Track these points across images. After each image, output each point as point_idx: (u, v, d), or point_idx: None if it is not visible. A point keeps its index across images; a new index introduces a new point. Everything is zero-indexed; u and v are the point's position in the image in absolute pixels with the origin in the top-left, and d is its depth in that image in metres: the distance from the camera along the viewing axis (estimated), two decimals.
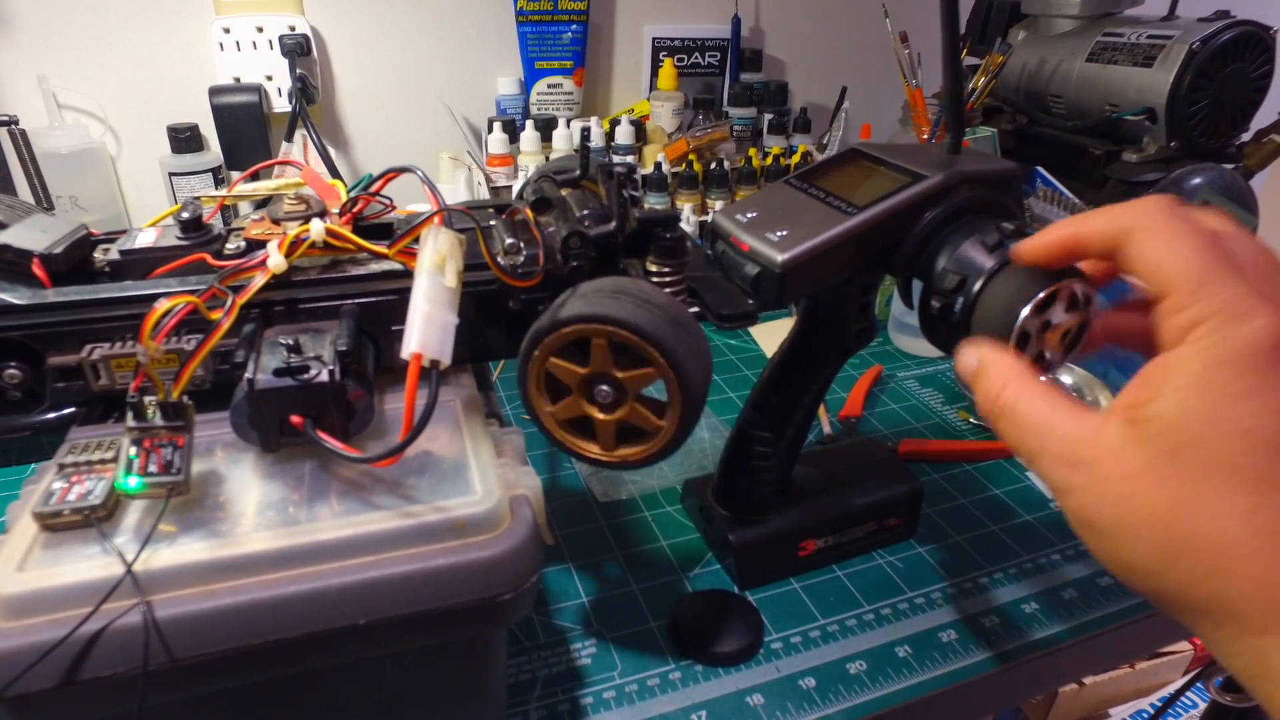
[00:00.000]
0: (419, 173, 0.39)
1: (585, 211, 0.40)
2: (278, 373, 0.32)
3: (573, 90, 1.03)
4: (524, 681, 0.43)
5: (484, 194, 0.91)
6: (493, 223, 0.42)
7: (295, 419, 0.32)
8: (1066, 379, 0.69)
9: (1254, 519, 0.23)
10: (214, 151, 0.89)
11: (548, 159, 0.89)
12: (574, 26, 1.00)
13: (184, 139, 0.86)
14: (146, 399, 0.31)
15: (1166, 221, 0.27)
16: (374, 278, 0.38)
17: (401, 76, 0.99)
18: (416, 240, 0.37)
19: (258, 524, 0.31)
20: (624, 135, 0.96)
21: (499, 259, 0.38)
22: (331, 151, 0.93)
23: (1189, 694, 1.09)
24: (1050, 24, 0.96)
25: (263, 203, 0.44)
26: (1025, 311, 0.31)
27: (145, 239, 0.40)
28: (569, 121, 0.96)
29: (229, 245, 0.40)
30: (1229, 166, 0.83)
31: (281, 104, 0.92)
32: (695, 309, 0.41)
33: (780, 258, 0.37)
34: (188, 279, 0.38)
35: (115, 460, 0.31)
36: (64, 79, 0.85)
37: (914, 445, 0.62)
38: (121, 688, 0.28)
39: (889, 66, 0.93)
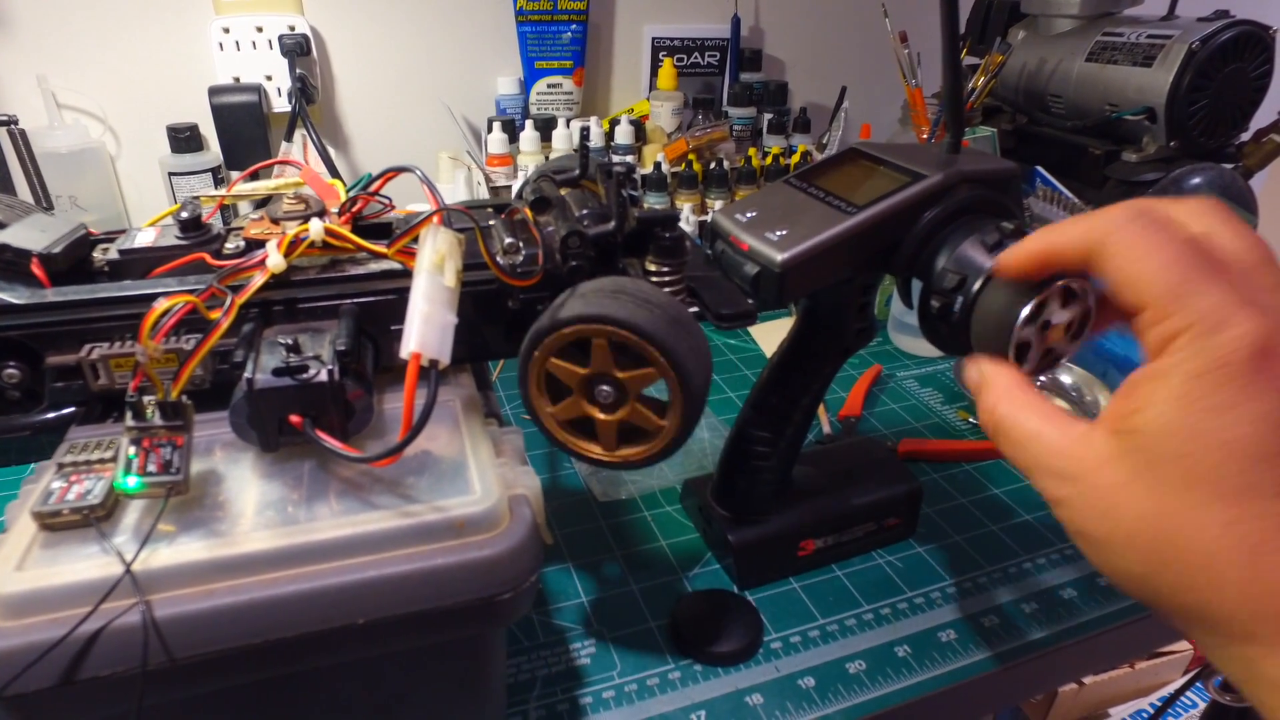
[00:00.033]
0: (418, 172, 0.39)
1: (584, 211, 0.40)
2: (277, 372, 0.32)
3: (572, 90, 1.03)
4: (523, 681, 0.43)
5: (483, 194, 0.91)
6: (492, 222, 0.42)
7: (294, 418, 0.32)
8: (1066, 379, 0.69)
9: (1233, 531, 0.23)
10: (213, 151, 0.89)
11: (547, 159, 0.89)
12: (573, 26, 1.00)
13: (183, 139, 0.86)
14: (145, 398, 0.31)
15: (1137, 233, 0.26)
16: (373, 277, 0.38)
17: (401, 76, 0.99)
18: (415, 240, 0.37)
19: (257, 523, 0.31)
20: (623, 135, 0.96)
21: (498, 258, 0.38)
22: (331, 151, 0.93)
23: (1188, 694, 1.09)
24: (1050, 24, 0.96)
25: (262, 202, 0.44)
26: (1018, 325, 0.31)
27: (144, 239, 0.40)
28: (568, 121, 0.96)
29: (228, 245, 0.40)
30: (1228, 166, 0.83)
31: (281, 104, 0.92)
32: (694, 308, 0.41)
33: (780, 257, 0.37)
34: (187, 279, 0.38)
35: (114, 460, 0.31)
36: (63, 79, 0.85)
37: (913, 445, 0.62)
38: (120, 687, 0.28)
39: (889, 66, 0.93)
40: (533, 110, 1.02)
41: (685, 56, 1.09)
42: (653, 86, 1.07)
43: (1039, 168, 0.84)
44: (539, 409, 0.37)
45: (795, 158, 0.99)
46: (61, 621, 0.27)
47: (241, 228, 0.41)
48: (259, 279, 0.35)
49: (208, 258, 0.38)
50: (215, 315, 0.33)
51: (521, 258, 0.39)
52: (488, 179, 0.92)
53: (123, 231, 0.42)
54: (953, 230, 0.36)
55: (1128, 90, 0.84)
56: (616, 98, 1.12)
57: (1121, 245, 0.26)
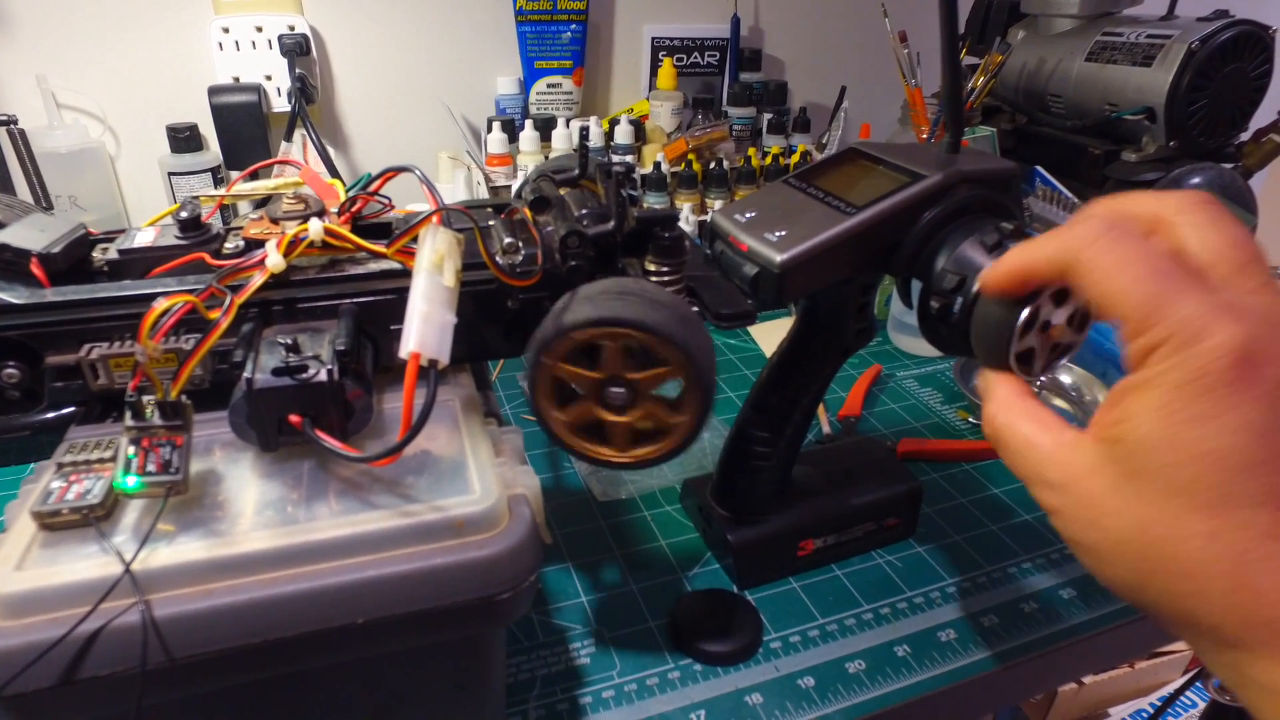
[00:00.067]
0: (417, 172, 0.39)
1: (584, 211, 0.40)
2: (276, 372, 0.32)
3: (572, 90, 1.03)
4: (523, 681, 0.43)
5: (483, 194, 0.91)
6: (491, 222, 0.42)
7: (294, 418, 0.32)
8: (1066, 379, 0.69)
9: (1216, 541, 0.23)
10: (213, 151, 0.89)
11: (547, 159, 0.89)
12: (573, 26, 1.00)
13: (183, 138, 0.86)
14: (145, 398, 0.31)
15: (1106, 249, 0.26)
16: (372, 277, 0.38)
17: (401, 76, 0.99)
18: (415, 240, 0.37)
19: (256, 523, 0.31)
20: (623, 135, 0.96)
21: (497, 258, 0.38)
22: (330, 151, 0.93)
23: (1188, 693, 1.09)
24: (1049, 23, 0.96)
25: (262, 202, 0.44)
26: (1014, 337, 0.31)
27: (144, 238, 0.40)
28: (568, 121, 0.96)
29: (227, 244, 0.40)
30: (1228, 166, 0.83)
31: (281, 103, 0.92)
32: (694, 308, 0.41)
33: (779, 258, 0.37)
34: (186, 278, 0.37)
35: (114, 459, 0.31)
36: (63, 78, 0.85)
37: (913, 445, 0.62)
38: (120, 687, 0.28)
39: (888, 66, 0.93)
40: (532, 110, 1.02)
41: (685, 56, 1.09)
42: (652, 86, 1.07)
43: (1039, 168, 0.84)
44: (549, 416, 0.36)
45: (795, 158, 0.99)
46: (61, 621, 0.27)
47: (241, 227, 0.41)
48: (258, 279, 0.35)
49: (207, 257, 0.38)
50: (214, 315, 0.33)
51: (521, 257, 0.39)
52: (487, 179, 0.92)
53: (122, 231, 0.42)
54: (952, 230, 0.36)
55: (1127, 90, 0.84)
56: (616, 97, 1.12)
57: (1092, 263, 0.26)
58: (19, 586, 0.27)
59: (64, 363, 0.36)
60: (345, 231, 0.37)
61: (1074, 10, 0.92)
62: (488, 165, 0.93)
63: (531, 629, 0.46)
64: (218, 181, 0.88)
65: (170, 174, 0.86)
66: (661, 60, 1.04)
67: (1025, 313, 0.31)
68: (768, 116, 1.04)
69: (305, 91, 0.89)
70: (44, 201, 0.79)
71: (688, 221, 0.91)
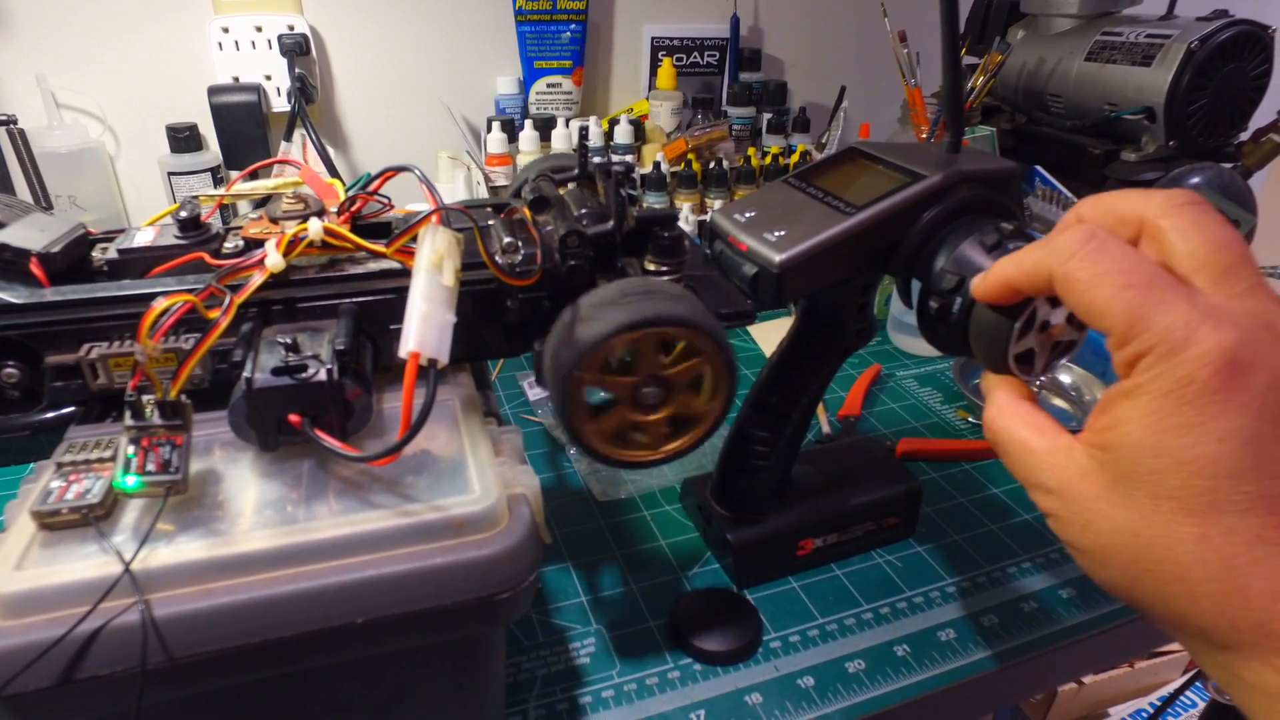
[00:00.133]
0: (417, 172, 0.39)
1: (583, 210, 0.40)
2: (276, 371, 0.32)
3: (572, 90, 1.03)
4: (522, 680, 0.43)
5: (483, 193, 0.91)
6: (491, 222, 0.42)
7: (293, 418, 0.32)
8: (1066, 378, 0.69)
9: (1204, 546, 0.24)
10: (213, 151, 0.89)
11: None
12: (573, 26, 1.00)
13: (183, 138, 0.86)
14: (144, 398, 0.31)
15: (1085, 262, 0.26)
16: (372, 276, 0.38)
17: (400, 76, 0.99)
18: (414, 239, 0.37)
19: (256, 523, 0.31)
20: (623, 135, 0.96)
21: (497, 258, 0.38)
22: (330, 151, 0.93)
23: (1188, 693, 1.09)
24: (1049, 23, 0.96)
25: (261, 202, 0.44)
26: (1012, 343, 0.31)
27: (143, 238, 0.40)
28: (568, 121, 0.96)
29: (227, 244, 0.40)
30: (1227, 165, 0.83)
31: (280, 103, 0.92)
32: None
33: (778, 258, 0.37)
34: (185, 278, 0.37)
35: (113, 459, 0.31)
36: (63, 78, 0.85)
37: (913, 444, 0.62)
38: (119, 686, 0.28)
39: (888, 66, 0.93)
40: (532, 110, 1.02)
41: (684, 56, 1.09)
42: (652, 86, 1.07)
43: (1038, 167, 0.84)
44: (584, 431, 0.36)
45: (794, 157, 0.99)
46: (60, 621, 0.27)
47: (240, 227, 0.41)
48: (258, 278, 0.35)
49: (207, 257, 0.38)
50: (214, 314, 0.33)
51: (520, 257, 0.39)
52: (487, 179, 0.92)
53: (122, 231, 0.42)
54: (952, 230, 0.36)
55: (1127, 90, 0.84)
56: (616, 97, 1.12)
57: (1073, 276, 0.26)
58: (19, 586, 0.27)
59: (64, 362, 0.36)
60: (345, 231, 0.37)
61: (1074, 10, 0.92)
62: (487, 165, 0.93)
63: (531, 629, 0.46)
64: (217, 181, 0.88)
65: (170, 174, 0.86)
66: (661, 60, 1.04)
67: (1021, 319, 0.31)
68: (767, 116, 1.04)
69: (305, 91, 0.89)
70: (44, 201, 0.79)
71: (687, 221, 0.91)
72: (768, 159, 0.97)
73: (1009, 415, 0.31)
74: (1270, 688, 0.23)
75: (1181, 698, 1.09)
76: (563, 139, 0.95)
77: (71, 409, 0.37)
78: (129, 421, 0.31)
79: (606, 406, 0.36)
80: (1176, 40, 0.79)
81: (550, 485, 0.58)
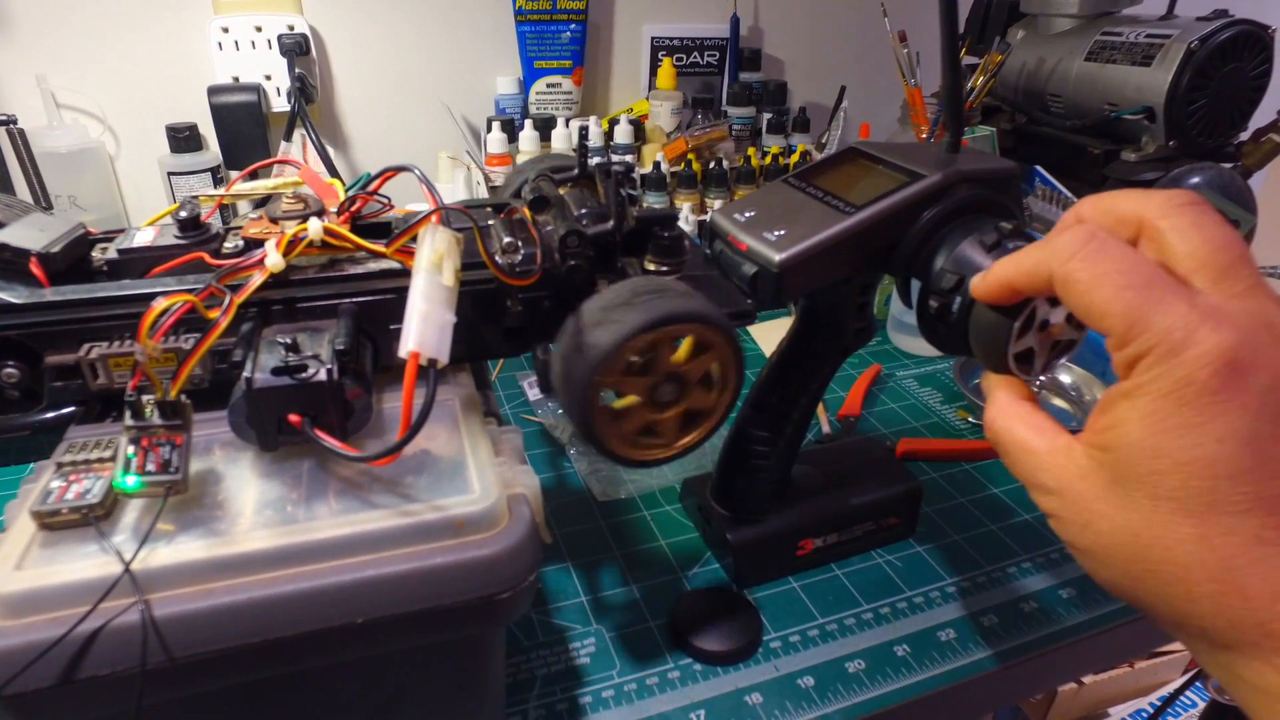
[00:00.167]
0: (417, 171, 0.39)
1: (583, 210, 0.40)
2: (276, 371, 0.32)
3: (572, 90, 1.03)
4: (522, 680, 0.43)
5: (483, 193, 0.91)
6: (491, 222, 0.42)
7: (293, 418, 0.32)
8: (1066, 378, 0.69)
9: (1203, 547, 0.24)
10: (213, 151, 0.89)
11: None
12: (573, 26, 1.00)
13: (183, 138, 0.86)
14: (144, 398, 0.31)
15: (1084, 263, 0.26)
16: (372, 276, 0.38)
17: (400, 76, 0.99)
18: (414, 239, 0.37)
19: (256, 523, 0.31)
20: (623, 134, 0.96)
21: (497, 258, 0.38)
22: (330, 151, 0.93)
23: (1188, 693, 1.09)
24: (1049, 23, 0.96)
25: (261, 202, 0.44)
26: (1011, 343, 0.31)
27: (143, 238, 0.40)
28: (568, 121, 0.96)
29: (227, 244, 0.40)
30: (1227, 165, 0.83)
31: (280, 103, 0.92)
32: None
33: (778, 257, 0.37)
34: (185, 278, 0.37)
35: (113, 459, 0.31)
36: (63, 78, 0.85)
37: (913, 444, 0.62)
38: (119, 686, 0.28)
39: (888, 66, 0.93)
40: (532, 110, 1.02)
41: (684, 56, 1.09)
42: (652, 86, 1.07)
43: (1038, 167, 0.84)
44: (606, 435, 0.35)
45: (794, 157, 0.99)
46: (60, 621, 0.27)
47: (240, 227, 0.41)
48: (258, 278, 0.35)
49: (206, 257, 0.38)
50: (214, 314, 0.33)
51: (520, 257, 0.39)
52: (487, 179, 0.92)
53: (121, 231, 0.42)
54: (951, 230, 0.36)
55: (1127, 90, 0.84)
56: (616, 97, 1.12)
57: (1073, 277, 0.26)
58: (19, 586, 0.27)
59: (63, 362, 0.36)
60: (345, 231, 0.37)
61: (1073, 10, 0.92)
62: (487, 165, 0.93)
63: (531, 629, 0.46)
64: (217, 181, 0.88)
65: (170, 174, 0.86)
66: (661, 60, 1.04)
67: (1020, 319, 0.31)
68: (767, 116, 1.04)
69: (305, 91, 0.89)
70: (43, 201, 0.79)
71: (687, 221, 0.91)
72: (768, 159, 0.97)
73: (1009, 415, 0.31)
74: (1271, 687, 0.23)
75: (1181, 698, 1.09)
76: (563, 139, 0.95)
77: (71, 409, 0.37)
78: (129, 421, 0.31)
79: (626, 409, 0.36)
80: (1176, 40, 0.79)
81: (550, 485, 0.58)
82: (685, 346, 0.35)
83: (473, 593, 0.31)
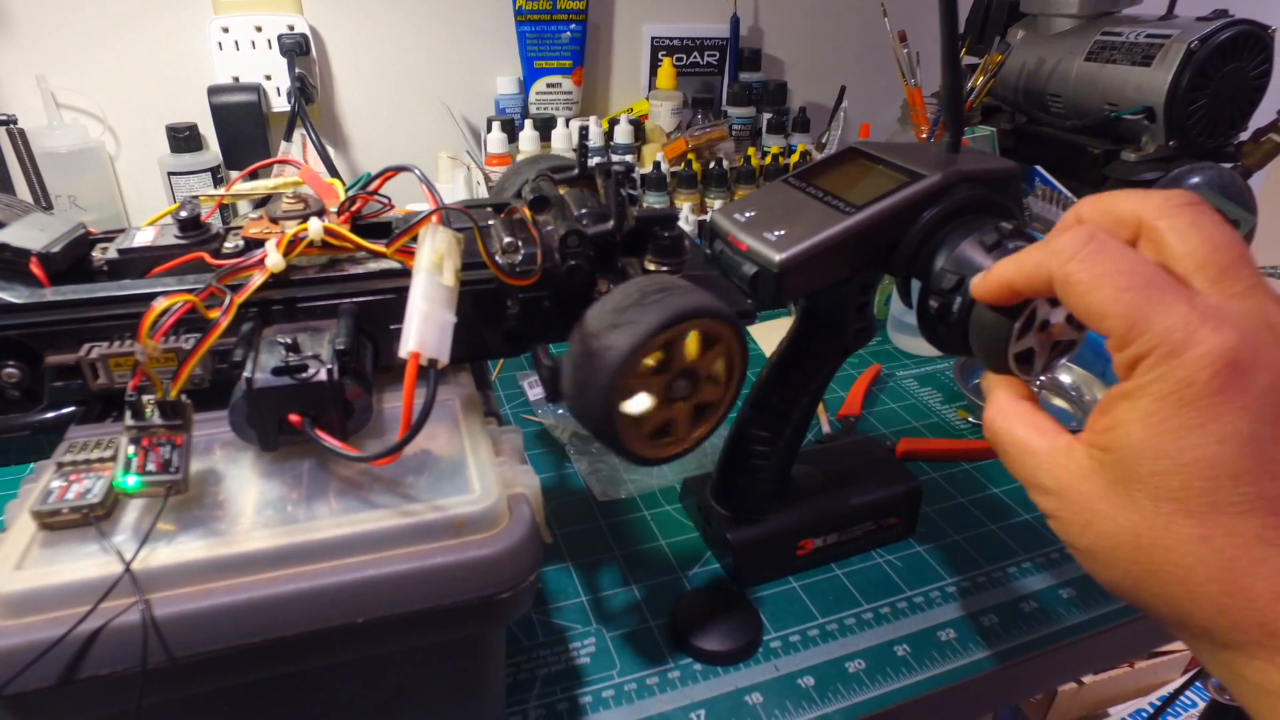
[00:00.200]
0: (417, 171, 0.39)
1: (583, 210, 0.40)
2: (276, 371, 0.32)
3: (572, 90, 1.03)
4: (523, 680, 0.43)
5: (483, 193, 0.91)
6: (491, 222, 0.42)
7: (293, 418, 0.32)
8: (1066, 378, 0.69)
9: (1205, 547, 0.24)
10: (213, 151, 0.89)
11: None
12: (573, 26, 1.00)
13: (183, 138, 0.86)
14: (145, 398, 0.31)
15: (1084, 264, 0.26)
16: (372, 276, 0.38)
17: (400, 76, 0.99)
18: (414, 239, 0.37)
19: (256, 522, 0.31)
20: (623, 134, 0.96)
21: (497, 258, 0.38)
22: (330, 151, 0.93)
23: (1188, 693, 1.09)
24: (1049, 23, 0.96)
25: (261, 202, 0.44)
26: (1011, 343, 0.31)
27: (143, 238, 0.40)
28: (568, 121, 0.96)
29: (227, 244, 0.40)
30: (1227, 165, 0.83)
31: (280, 103, 0.92)
32: None
33: (778, 257, 0.37)
34: (186, 278, 0.37)
35: (114, 459, 0.31)
36: (63, 78, 0.85)
37: (913, 444, 0.62)
38: (120, 686, 0.28)
39: (888, 66, 0.93)
40: (532, 110, 1.02)
41: (684, 56, 1.09)
42: (652, 86, 1.07)
43: (1038, 167, 0.85)
44: (628, 436, 0.35)
45: (794, 157, 0.99)
46: (61, 620, 0.27)
47: (240, 227, 0.41)
48: (258, 278, 0.35)
49: (207, 257, 0.38)
50: (214, 314, 0.33)
51: (520, 257, 0.39)
52: (487, 179, 0.92)
53: (122, 231, 0.42)
54: (951, 230, 0.36)
55: (1127, 90, 0.84)
56: (616, 97, 1.12)
57: (1073, 278, 0.26)
58: (19, 586, 0.27)
59: (64, 362, 0.36)
60: (345, 231, 0.37)
61: (1073, 10, 0.92)
62: (487, 165, 0.93)
63: (531, 629, 0.46)
64: (217, 181, 0.88)
65: (170, 174, 0.86)
66: (661, 60, 1.04)
67: (1021, 319, 0.31)
68: (767, 116, 1.04)
69: (305, 91, 0.89)
70: (44, 201, 0.79)
71: (687, 221, 0.91)
72: (768, 159, 0.97)
73: (1009, 415, 0.31)
74: (1274, 686, 0.23)
75: (1181, 698, 1.09)
76: (563, 139, 0.95)
77: (72, 409, 0.37)
78: (129, 421, 0.31)
79: (644, 410, 0.36)
80: (1176, 40, 0.79)
81: (550, 485, 0.58)
82: (693, 342, 0.35)
83: (473, 593, 0.31)
